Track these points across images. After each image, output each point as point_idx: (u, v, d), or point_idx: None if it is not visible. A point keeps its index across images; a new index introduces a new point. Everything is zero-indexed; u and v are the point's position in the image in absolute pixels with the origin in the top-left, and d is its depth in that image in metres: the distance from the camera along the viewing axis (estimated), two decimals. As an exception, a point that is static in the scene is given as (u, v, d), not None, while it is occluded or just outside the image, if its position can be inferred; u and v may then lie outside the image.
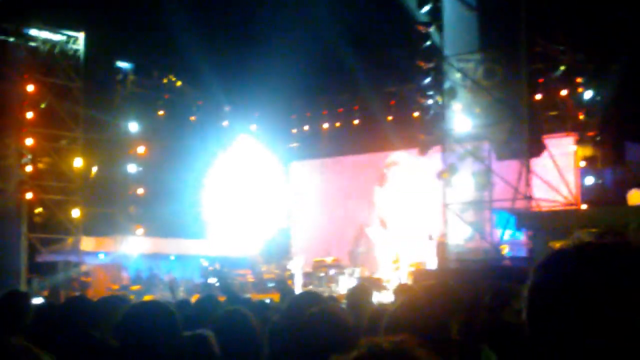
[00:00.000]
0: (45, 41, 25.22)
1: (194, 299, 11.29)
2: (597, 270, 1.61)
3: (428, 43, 22.05)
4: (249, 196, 32.12)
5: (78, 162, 25.58)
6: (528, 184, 20.61)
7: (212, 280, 25.60)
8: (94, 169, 27.37)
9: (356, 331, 4.16)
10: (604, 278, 1.60)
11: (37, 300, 8.49)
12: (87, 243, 26.12)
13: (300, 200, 32.01)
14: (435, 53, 22.07)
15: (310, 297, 5.30)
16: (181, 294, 22.72)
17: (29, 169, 24.30)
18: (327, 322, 4.72)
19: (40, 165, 25.13)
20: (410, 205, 28.07)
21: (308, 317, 4.88)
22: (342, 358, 1.81)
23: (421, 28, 22.10)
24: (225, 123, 32.88)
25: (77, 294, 21.78)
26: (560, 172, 23.05)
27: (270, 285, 24.92)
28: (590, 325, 1.58)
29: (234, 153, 32.62)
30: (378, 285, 21.63)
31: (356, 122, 30.81)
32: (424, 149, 23.26)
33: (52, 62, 25.39)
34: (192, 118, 32.04)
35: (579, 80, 22.86)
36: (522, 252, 20.72)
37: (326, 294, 20.78)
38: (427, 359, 1.84)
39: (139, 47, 27.64)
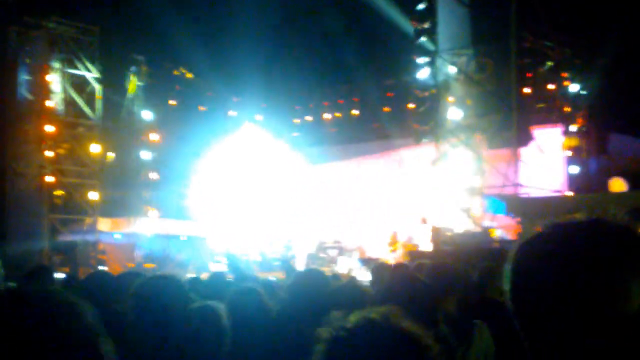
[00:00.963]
0: (63, 33, 25.21)
1: (203, 276, 11.34)
2: (571, 247, 1.65)
3: (423, 38, 22.08)
4: (254, 180, 32.12)
5: (95, 148, 25.61)
6: (517, 172, 20.69)
7: (221, 259, 25.64)
8: (110, 155, 27.43)
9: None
10: (578, 254, 1.63)
11: (59, 275, 8.55)
12: (103, 224, 26.20)
13: (302, 186, 32.06)
14: (430, 48, 22.11)
15: (314, 274, 5.38)
16: (191, 273, 22.79)
17: (49, 154, 24.34)
18: (314, 278, 4.85)
19: (60, 151, 25.15)
20: (405, 190, 28.13)
21: (294, 277, 5.00)
22: (339, 316, 1.89)
23: (416, 24, 22.12)
24: (232, 113, 32.89)
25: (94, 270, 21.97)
26: (547, 160, 23.14)
27: (275, 264, 24.99)
28: (568, 301, 1.62)
29: (240, 140, 32.56)
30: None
31: (355, 112, 30.86)
32: (418, 138, 23.32)
33: (70, 53, 25.39)
34: (202, 108, 32.02)
35: (565, 74, 22.89)
36: (511, 236, 20.80)
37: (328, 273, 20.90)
38: (412, 330, 1.90)
39: (152, 40, 27.67)
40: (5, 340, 1.40)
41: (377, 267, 9.09)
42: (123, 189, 27.74)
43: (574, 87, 22.93)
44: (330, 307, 4.38)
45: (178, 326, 3.66)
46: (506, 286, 1.76)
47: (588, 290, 1.60)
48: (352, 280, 6.89)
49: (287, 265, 20.52)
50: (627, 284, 1.60)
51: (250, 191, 31.94)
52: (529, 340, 1.71)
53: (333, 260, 25.76)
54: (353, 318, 1.92)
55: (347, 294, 4.73)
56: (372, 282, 8.38)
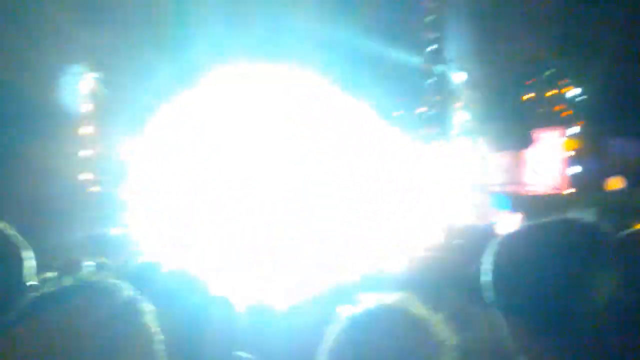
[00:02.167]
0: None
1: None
2: (543, 244, 1.69)
3: (432, 47, 22.06)
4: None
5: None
6: (520, 172, 20.64)
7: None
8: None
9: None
10: (548, 251, 1.70)
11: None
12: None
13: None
14: (437, 56, 22.09)
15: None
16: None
17: (86, 153, 24.46)
18: None
19: (94, 150, 25.28)
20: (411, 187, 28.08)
21: None
22: (350, 310, 1.86)
23: (426, 34, 22.11)
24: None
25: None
26: (548, 161, 23.05)
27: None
28: (540, 293, 1.64)
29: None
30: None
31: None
32: (427, 140, 23.30)
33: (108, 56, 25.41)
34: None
35: (565, 80, 22.77)
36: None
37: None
38: (425, 316, 1.88)
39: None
40: (71, 334, 1.35)
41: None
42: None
43: (573, 91, 22.79)
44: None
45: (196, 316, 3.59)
46: (486, 279, 1.84)
47: (558, 283, 1.67)
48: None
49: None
50: (594, 277, 1.67)
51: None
52: (510, 326, 1.77)
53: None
54: (369, 302, 1.95)
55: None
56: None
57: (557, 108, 23.52)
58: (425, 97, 23.71)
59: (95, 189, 25.14)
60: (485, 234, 19.32)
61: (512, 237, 1.83)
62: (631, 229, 2.75)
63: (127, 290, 1.49)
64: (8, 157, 19.61)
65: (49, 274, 6.87)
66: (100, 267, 8.69)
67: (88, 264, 7.38)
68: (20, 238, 2.49)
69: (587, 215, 1.80)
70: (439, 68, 22.21)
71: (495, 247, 1.83)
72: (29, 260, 2.49)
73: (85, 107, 23.03)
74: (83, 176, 24.21)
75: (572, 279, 1.66)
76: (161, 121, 21.77)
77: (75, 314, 1.38)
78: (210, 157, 21.91)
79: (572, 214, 1.79)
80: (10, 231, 2.45)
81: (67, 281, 1.50)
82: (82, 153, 24.17)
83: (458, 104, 22.38)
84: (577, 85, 22.61)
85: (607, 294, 1.66)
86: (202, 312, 3.58)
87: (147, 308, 1.49)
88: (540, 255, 1.71)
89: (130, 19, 19.54)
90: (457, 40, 21.49)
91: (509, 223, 20.93)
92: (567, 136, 23.43)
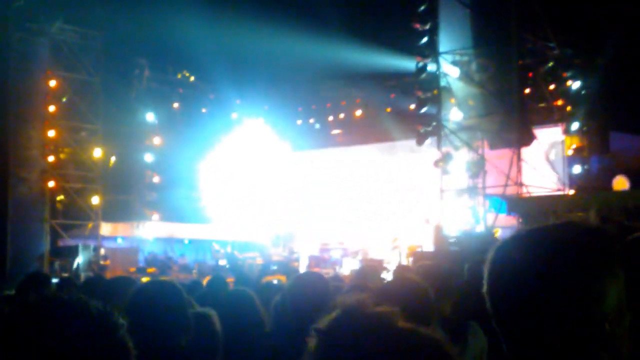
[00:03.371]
0: (66, 39, 25.23)
1: (206, 280, 11.31)
2: (544, 250, 1.66)
3: (425, 40, 22.03)
4: (258, 182, 32.13)
5: (97, 152, 25.62)
6: (519, 171, 20.63)
7: (223, 262, 25.65)
8: (113, 159, 27.41)
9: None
10: (550, 257, 1.65)
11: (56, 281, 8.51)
12: (105, 228, 26.17)
13: (306, 187, 32.10)
14: (432, 49, 22.06)
15: (312, 276, 5.28)
16: (194, 276, 22.78)
17: (51, 158, 24.35)
18: (311, 283, 4.73)
19: (62, 156, 25.19)
20: (408, 190, 28.15)
21: (293, 279, 4.89)
22: (327, 319, 1.83)
23: (418, 26, 22.06)
24: (234, 115, 32.83)
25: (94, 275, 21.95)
26: (549, 160, 23.09)
27: (273, 268, 24.86)
28: (542, 303, 1.62)
29: (243, 140, 32.49)
30: (379, 266, 21.66)
31: (358, 114, 30.82)
32: (421, 139, 23.24)
33: (73, 58, 25.41)
34: (204, 110, 32.00)
35: (566, 74, 22.81)
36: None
37: (331, 275, 20.88)
38: (406, 327, 1.86)
39: (155, 44, 27.68)
40: (38, 350, 1.35)
41: (397, 269, 9.06)
42: (126, 193, 27.72)
43: (574, 86, 22.83)
44: (329, 310, 4.30)
45: (174, 334, 3.56)
46: (484, 288, 1.79)
47: (562, 292, 1.63)
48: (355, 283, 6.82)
49: (286, 268, 20.54)
50: (600, 285, 1.63)
51: (253, 192, 31.93)
52: (507, 340, 1.73)
53: (337, 262, 25.75)
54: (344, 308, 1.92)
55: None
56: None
57: (558, 103, 23.60)
58: (417, 93, 23.69)
59: (62, 197, 25.06)
60: (481, 239, 19.34)
61: (510, 243, 1.79)
62: (636, 234, 2.73)
63: (99, 306, 1.48)
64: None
65: (7, 291, 6.80)
66: (66, 281, 8.62)
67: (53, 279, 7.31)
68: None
69: (591, 219, 1.77)
70: (432, 62, 22.20)
71: (493, 254, 1.80)
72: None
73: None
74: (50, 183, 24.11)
75: (576, 287, 1.63)
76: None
77: (47, 332, 1.37)
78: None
79: (576, 218, 1.75)
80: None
81: (35, 298, 1.48)
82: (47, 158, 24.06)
83: (452, 100, 22.37)
84: (580, 78, 22.68)
85: (614, 302, 1.64)
86: (179, 328, 3.55)
87: (121, 322, 1.50)
88: (541, 262, 1.67)
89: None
90: (451, 32, 21.47)
91: (506, 226, 20.99)
92: (569, 133, 23.50)
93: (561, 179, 23.24)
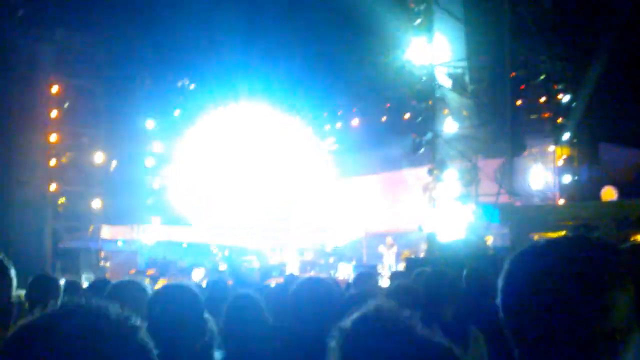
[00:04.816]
0: (69, 45, 25.24)
1: (204, 283, 11.36)
2: (558, 265, 1.69)
3: (420, 51, 22.11)
4: (255, 186, 32.05)
5: (99, 157, 25.65)
6: (510, 181, 20.69)
7: (222, 265, 25.64)
8: (114, 163, 27.40)
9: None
10: (565, 272, 1.69)
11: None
12: (106, 231, 26.16)
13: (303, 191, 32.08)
14: (426, 60, 22.13)
15: (316, 282, 5.34)
16: (193, 279, 22.78)
17: (53, 162, 24.37)
18: (316, 288, 4.77)
19: (64, 160, 25.20)
20: (403, 198, 28.15)
21: (298, 285, 4.93)
22: (350, 320, 1.91)
23: (412, 38, 22.15)
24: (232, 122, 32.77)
25: (96, 277, 21.96)
26: (540, 170, 23.17)
27: (274, 272, 24.87)
28: (556, 317, 1.66)
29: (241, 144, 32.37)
30: (374, 272, 21.72)
31: (355, 122, 30.85)
32: (416, 148, 23.29)
33: (75, 64, 25.43)
34: (205, 117, 31.95)
35: (556, 86, 22.92)
36: (505, 243, 20.76)
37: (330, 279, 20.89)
38: (424, 334, 1.94)
39: (157, 51, 27.73)
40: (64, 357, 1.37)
41: (393, 276, 9.07)
42: (126, 197, 27.67)
43: (565, 98, 22.94)
44: (336, 317, 4.35)
45: (193, 337, 3.61)
46: (498, 301, 1.82)
47: (573, 305, 1.66)
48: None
49: (282, 271, 20.49)
50: (611, 298, 1.66)
51: (252, 198, 31.87)
52: (519, 349, 1.76)
53: (332, 267, 25.75)
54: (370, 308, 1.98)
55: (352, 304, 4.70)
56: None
57: (549, 114, 23.71)
58: (412, 102, 23.75)
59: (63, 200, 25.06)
60: (474, 247, 19.41)
61: (525, 256, 1.83)
62: (631, 242, 2.78)
63: (117, 310, 1.49)
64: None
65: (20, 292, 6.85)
66: (71, 284, 8.67)
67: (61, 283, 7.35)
68: (6, 258, 2.57)
69: (599, 232, 1.84)
70: (427, 72, 22.26)
71: (508, 266, 1.85)
72: (14, 279, 2.57)
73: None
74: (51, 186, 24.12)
75: (587, 300, 1.68)
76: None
77: (71, 340, 1.38)
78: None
79: (585, 231, 1.82)
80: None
81: (55, 305, 1.50)
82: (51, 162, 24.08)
83: (446, 110, 22.44)
84: (570, 91, 22.78)
85: (624, 314, 1.69)
86: (196, 332, 3.59)
87: (139, 324, 1.50)
88: (554, 276, 1.72)
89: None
90: (446, 45, 21.55)
91: (501, 236, 21.06)
92: (559, 143, 23.59)
93: (551, 189, 23.33)
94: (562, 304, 1.66)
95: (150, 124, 28.92)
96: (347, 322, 1.98)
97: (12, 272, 2.66)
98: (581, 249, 1.74)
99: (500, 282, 1.82)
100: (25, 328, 1.44)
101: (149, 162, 28.80)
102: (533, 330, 1.71)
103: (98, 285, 6.90)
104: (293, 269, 25.18)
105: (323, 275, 23.38)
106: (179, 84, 30.77)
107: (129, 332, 1.48)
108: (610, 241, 1.79)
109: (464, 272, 6.52)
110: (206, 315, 4.16)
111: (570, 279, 1.67)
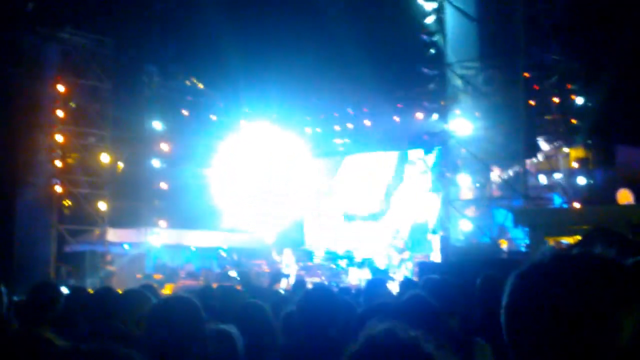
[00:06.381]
0: (76, 44, 25.28)
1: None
2: (563, 284, 1.69)
3: (432, 51, 22.11)
4: (265, 188, 32.09)
5: (105, 158, 25.64)
6: (524, 183, 20.64)
7: (231, 269, 25.59)
8: (120, 165, 27.39)
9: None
10: (570, 291, 1.68)
11: (64, 289, 8.44)
12: (112, 234, 26.12)
13: (314, 194, 32.11)
14: (439, 60, 22.12)
15: (322, 291, 5.29)
16: (201, 282, 22.77)
17: (58, 164, 24.38)
18: (322, 298, 4.72)
19: (70, 161, 25.19)
20: (416, 201, 28.11)
21: (304, 294, 4.89)
22: (359, 342, 1.89)
23: (425, 37, 22.15)
24: (244, 122, 32.78)
25: (101, 282, 21.97)
26: (554, 172, 23.08)
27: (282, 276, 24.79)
28: (561, 336, 1.65)
29: (248, 145, 32.39)
30: (386, 278, 21.66)
31: (367, 123, 30.76)
32: (427, 149, 23.31)
33: (82, 64, 25.45)
34: (213, 117, 31.97)
35: (571, 87, 22.85)
36: (520, 247, 20.69)
37: (338, 285, 20.87)
38: (434, 355, 1.92)
39: (164, 51, 27.76)
40: None
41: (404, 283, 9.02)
42: (133, 199, 27.64)
43: (579, 99, 22.87)
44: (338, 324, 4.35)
45: (193, 351, 3.58)
46: (502, 319, 1.83)
47: (579, 324, 1.65)
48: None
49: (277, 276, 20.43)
50: (617, 318, 1.65)
51: (260, 199, 31.91)
52: None
53: (343, 271, 25.72)
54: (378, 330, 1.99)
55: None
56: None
57: (564, 115, 23.62)
58: (424, 103, 23.76)
59: (69, 202, 25.07)
60: (488, 250, 19.34)
61: (530, 273, 1.83)
62: (635, 259, 2.73)
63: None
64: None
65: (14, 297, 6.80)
66: (76, 291, 8.60)
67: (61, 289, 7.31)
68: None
69: (610, 250, 1.83)
70: (439, 72, 22.26)
71: (512, 283, 1.84)
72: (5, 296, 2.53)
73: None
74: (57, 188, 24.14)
75: (593, 320, 1.67)
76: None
77: None
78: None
79: (595, 248, 1.80)
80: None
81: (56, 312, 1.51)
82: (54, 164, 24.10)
83: (458, 111, 22.39)
84: (584, 92, 22.70)
85: (630, 334, 1.68)
86: (199, 348, 3.56)
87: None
88: (559, 296, 1.71)
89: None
90: (459, 44, 21.51)
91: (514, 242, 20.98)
92: (573, 145, 23.50)
93: (566, 192, 23.23)
94: (565, 325, 1.66)
95: (157, 124, 28.90)
96: (355, 347, 1.97)
97: (3, 289, 2.61)
98: (585, 269, 1.73)
99: (503, 300, 1.82)
100: None
101: (157, 163, 28.78)
102: (536, 351, 1.71)
103: (104, 296, 6.85)
104: (302, 272, 25.20)
105: (333, 280, 23.37)
106: (188, 83, 30.77)
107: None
108: (615, 258, 1.77)
109: (477, 281, 6.45)
110: (232, 330, 4.12)
111: (574, 300, 1.67)
